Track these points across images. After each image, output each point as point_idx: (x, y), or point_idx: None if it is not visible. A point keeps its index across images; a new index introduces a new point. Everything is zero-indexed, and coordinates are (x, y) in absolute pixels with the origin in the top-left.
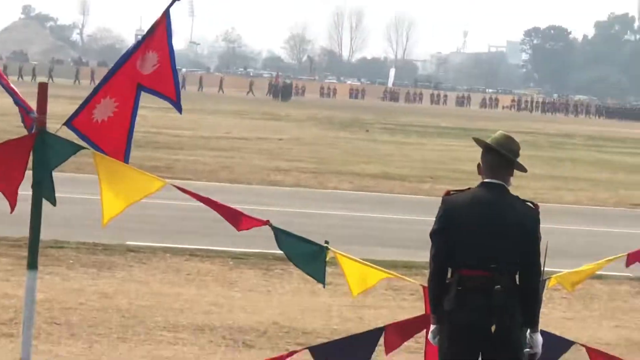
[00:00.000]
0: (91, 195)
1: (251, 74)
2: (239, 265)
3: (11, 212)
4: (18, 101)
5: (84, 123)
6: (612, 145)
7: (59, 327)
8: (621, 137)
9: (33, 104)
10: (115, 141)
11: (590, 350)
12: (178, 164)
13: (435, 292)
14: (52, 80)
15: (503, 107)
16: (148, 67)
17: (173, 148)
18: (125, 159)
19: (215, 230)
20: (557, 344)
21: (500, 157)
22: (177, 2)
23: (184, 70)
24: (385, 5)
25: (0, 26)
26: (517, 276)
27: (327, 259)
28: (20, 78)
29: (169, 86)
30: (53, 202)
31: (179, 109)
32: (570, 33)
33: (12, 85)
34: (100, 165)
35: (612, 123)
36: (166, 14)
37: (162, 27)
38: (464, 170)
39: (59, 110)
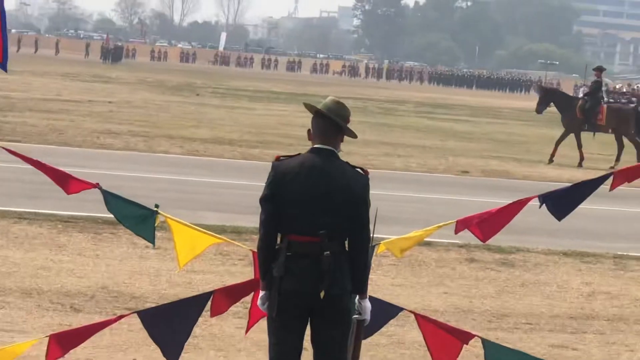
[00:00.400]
0: None
1: (82, 36)
2: (68, 228)
3: None
4: None
5: None
6: (442, 112)
7: None
8: (451, 103)
9: None
10: None
11: (418, 317)
12: (7, 126)
13: (265, 257)
14: None
15: (334, 73)
16: None
17: (2, 110)
18: None
19: (44, 193)
20: (385, 310)
21: (331, 122)
22: None
23: (13, 31)
24: None
25: None
26: (346, 242)
27: (157, 223)
28: None
29: None
30: None
31: (4, 68)
32: None
33: None
34: None
35: (443, 89)
36: None
37: None
38: (295, 135)
39: None
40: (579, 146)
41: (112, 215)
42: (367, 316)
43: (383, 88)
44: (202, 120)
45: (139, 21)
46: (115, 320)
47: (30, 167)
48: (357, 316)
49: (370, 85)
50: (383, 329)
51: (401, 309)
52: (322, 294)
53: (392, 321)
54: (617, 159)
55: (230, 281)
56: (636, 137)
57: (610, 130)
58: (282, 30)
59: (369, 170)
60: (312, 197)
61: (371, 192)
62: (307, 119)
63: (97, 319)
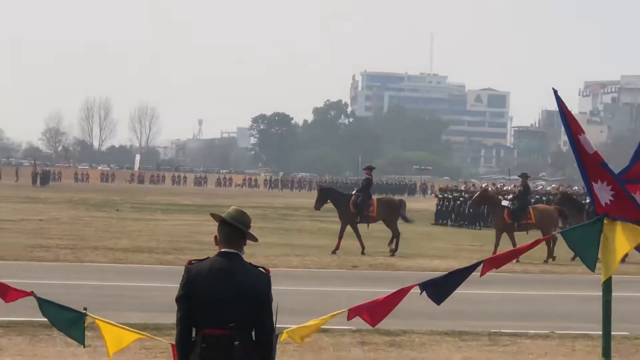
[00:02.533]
0: None
1: (13, 163)
2: (8, 332)
3: None
4: None
5: None
6: (331, 216)
7: None
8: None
9: None
10: None
11: None
12: None
13: (182, 350)
14: None
15: (236, 186)
16: None
17: None
18: None
19: None
20: None
21: (234, 229)
22: None
23: None
24: (129, 98)
25: None
26: (253, 333)
27: (87, 324)
28: None
29: None
30: None
31: None
32: (292, 118)
33: None
34: None
35: None
36: None
37: None
38: (204, 241)
39: None
40: (358, 237)
41: (46, 319)
42: None
43: (280, 197)
44: (123, 232)
45: (63, 148)
46: None
47: None
48: None
49: (268, 194)
50: None
51: None
52: None
53: None
54: (392, 243)
55: None
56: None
57: (382, 221)
58: (189, 150)
59: (270, 269)
60: (221, 294)
61: (273, 287)
62: (213, 227)
63: None
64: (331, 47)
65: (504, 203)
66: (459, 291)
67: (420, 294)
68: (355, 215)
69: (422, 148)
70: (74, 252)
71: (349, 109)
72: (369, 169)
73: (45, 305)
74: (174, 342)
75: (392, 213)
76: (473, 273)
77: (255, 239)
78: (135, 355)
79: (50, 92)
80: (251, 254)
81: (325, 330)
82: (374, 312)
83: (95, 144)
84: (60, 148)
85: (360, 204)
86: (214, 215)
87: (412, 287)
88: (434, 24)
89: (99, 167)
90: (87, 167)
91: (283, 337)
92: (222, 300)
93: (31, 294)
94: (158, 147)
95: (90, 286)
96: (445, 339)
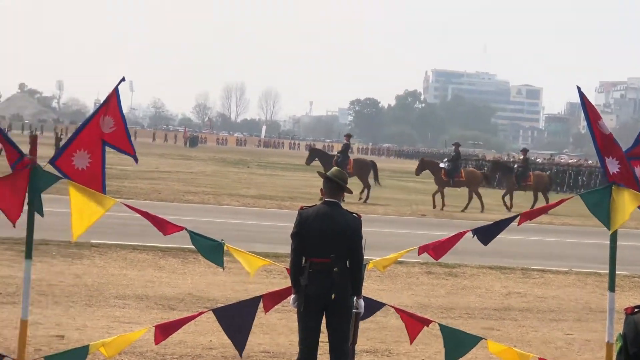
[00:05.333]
0: (67, 209)
1: (170, 129)
2: (166, 255)
3: (14, 226)
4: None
5: (65, 165)
6: (407, 177)
7: (46, 297)
8: (412, 171)
9: (27, 149)
10: (93, 182)
11: (396, 309)
12: (124, 189)
13: (295, 273)
14: (42, 133)
15: (336, 152)
16: (107, 128)
17: (120, 178)
18: (103, 192)
19: (149, 233)
20: (374, 306)
21: (335, 184)
22: (122, 82)
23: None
24: (258, 83)
25: (3, 98)
26: (347, 262)
27: (224, 250)
28: (21, 131)
29: (126, 143)
30: (41, 214)
31: (135, 160)
32: (379, 102)
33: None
34: (72, 190)
35: (407, 162)
36: (116, 90)
37: (114, 99)
38: (312, 192)
39: (44, 153)
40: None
41: (194, 247)
42: (362, 310)
43: None
44: (251, 184)
45: (208, 119)
46: (197, 315)
47: (139, 216)
48: (355, 310)
49: None
50: (372, 318)
51: (384, 305)
52: (333, 296)
53: (378, 313)
54: (362, 193)
55: (274, 289)
56: (372, 181)
57: (356, 176)
58: (302, 123)
59: (361, 214)
60: (325, 233)
61: (363, 229)
62: (319, 182)
63: (186, 314)
64: (409, 49)
65: (442, 165)
66: (501, 236)
67: (472, 237)
68: None
69: (476, 128)
70: (215, 197)
71: (422, 97)
72: (348, 136)
73: (194, 236)
74: (288, 267)
75: (364, 171)
76: (512, 223)
77: (350, 192)
78: (259, 276)
79: (199, 76)
80: (347, 202)
81: (400, 262)
82: (438, 249)
83: (233, 117)
84: (206, 119)
85: (340, 163)
86: (320, 174)
87: (466, 231)
88: (487, 35)
89: (235, 135)
90: (226, 134)
91: (369, 266)
92: (325, 237)
93: (183, 228)
94: (279, 121)
95: (227, 223)
96: (490, 272)
